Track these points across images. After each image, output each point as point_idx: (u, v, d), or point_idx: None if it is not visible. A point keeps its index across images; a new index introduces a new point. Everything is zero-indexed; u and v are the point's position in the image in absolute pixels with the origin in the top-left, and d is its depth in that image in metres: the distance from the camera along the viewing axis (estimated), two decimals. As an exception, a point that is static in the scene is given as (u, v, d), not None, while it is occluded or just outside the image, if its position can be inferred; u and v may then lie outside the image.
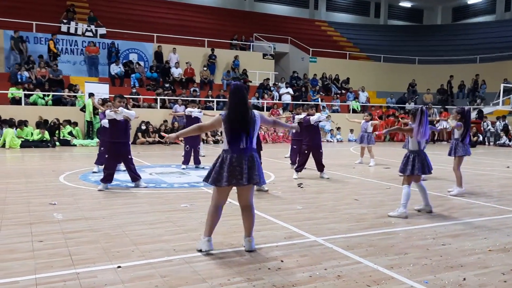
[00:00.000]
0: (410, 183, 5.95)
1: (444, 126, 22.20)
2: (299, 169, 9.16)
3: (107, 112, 7.55)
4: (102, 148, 9.44)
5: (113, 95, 8.99)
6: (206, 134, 17.20)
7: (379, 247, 4.52)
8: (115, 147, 7.48)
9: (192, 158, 10.17)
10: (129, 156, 7.63)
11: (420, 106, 6.04)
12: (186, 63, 21.16)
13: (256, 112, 4.30)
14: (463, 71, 25.89)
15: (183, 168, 9.94)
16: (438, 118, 20.24)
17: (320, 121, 9.30)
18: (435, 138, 21.17)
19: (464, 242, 4.74)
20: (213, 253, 4.19)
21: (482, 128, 21.32)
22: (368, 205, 6.61)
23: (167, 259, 4.01)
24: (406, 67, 27.32)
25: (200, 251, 4.20)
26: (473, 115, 20.14)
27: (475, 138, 19.41)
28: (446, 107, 23.11)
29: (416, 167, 5.85)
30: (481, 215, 6.11)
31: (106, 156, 7.58)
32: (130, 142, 7.97)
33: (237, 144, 4.11)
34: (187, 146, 10.09)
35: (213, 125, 4.31)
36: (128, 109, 7.90)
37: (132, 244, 4.42)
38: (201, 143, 11.82)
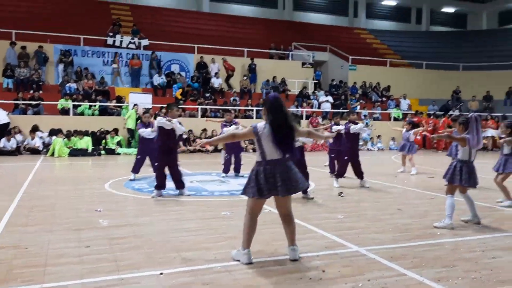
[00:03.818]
0: (453, 193, 5.75)
1: (491, 135, 21.34)
2: (339, 176, 9.09)
3: (159, 119, 7.65)
4: (139, 157, 9.65)
5: (165, 105, 9.09)
6: (245, 142, 17.24)
7: (425, 258, 4.37)
8: (163, 154, 7.58)
9: (232, 166, 10.25)
10: (177, 163, 7.71)
11: (472, 114, 5.81)
12: (222, 58, 21.50)
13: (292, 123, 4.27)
14: (511, 77, 24.82)
15: (223, 176, 10.03)
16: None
17: (360, 132, 9.21)
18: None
19: (516, 256, 4.52)
20: (253, 261, 4.18)
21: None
22: (412, 215, 6.42)
23: (208, 267, 4.05)
24: (449, 74, 26.50)
25: (238, 261, 4.20)
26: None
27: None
28: (492, 114, 22.18)
29: (463, 177, 5.64)
30: (534, 227, 5.81)
31: (156, 164, 7.64)
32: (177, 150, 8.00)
33: (271, 156, 4.12)
34: (227, 155, 10.18)
35: (246, 135, 4.47)
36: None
37: (174, 251, 4.49)
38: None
